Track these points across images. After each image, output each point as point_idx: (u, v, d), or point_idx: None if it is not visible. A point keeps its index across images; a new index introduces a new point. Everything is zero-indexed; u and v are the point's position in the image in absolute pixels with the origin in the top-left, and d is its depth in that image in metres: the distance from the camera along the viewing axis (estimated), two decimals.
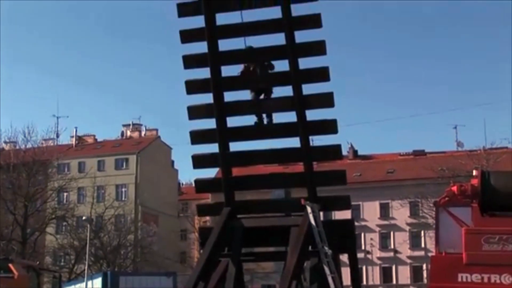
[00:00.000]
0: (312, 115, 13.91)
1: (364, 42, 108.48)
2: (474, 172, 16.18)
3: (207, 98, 14.38)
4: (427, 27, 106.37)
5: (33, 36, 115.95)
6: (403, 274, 63.18)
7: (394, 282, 63.80)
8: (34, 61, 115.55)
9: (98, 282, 38.79)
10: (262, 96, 14.39)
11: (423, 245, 61.27)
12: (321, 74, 13.76)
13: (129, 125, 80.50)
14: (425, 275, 56.76)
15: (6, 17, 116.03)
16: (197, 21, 14.02)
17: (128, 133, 79.97)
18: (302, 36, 13.62)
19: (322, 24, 13.44)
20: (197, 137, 14.71)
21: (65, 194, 65.78)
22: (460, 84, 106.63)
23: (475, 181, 14.56)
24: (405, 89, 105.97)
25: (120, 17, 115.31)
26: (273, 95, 14.46)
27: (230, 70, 14.50)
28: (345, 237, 14.37)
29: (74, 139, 78.98)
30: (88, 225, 48.15)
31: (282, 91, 14.26)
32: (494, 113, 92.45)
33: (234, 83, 14.54)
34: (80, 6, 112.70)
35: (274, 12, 13.67)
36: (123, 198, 70.68)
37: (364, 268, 60.40)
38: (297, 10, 13.44)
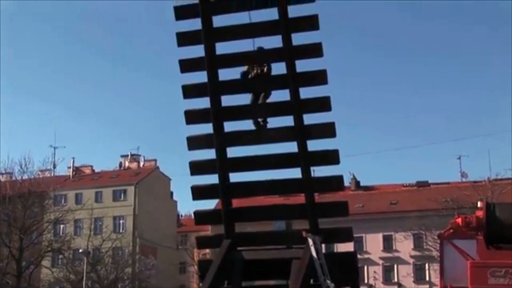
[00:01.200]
0: (314, 145, 13.92)
1: (365, 72, 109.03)
2: (479, 204, 16.16)
3: (207, 128, 14.42)
4: (428, 56, 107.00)
5: (32, 65, 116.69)
6: None
7: None
8: (32, 90, 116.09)
9: None
10: (260, 99, 14.39)
11: (427, 278, 60.85)
12: (323, 104, 13.80)
13: (128, 155, 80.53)
14: None
15: (6, 46, 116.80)
16: (197, 51, 14.14)
17: (127, 163, 79.95)
18: (303, 65, 13.72)
19: (323, 54, 13.53)
20: (197, 168, 14.70)
21: (61, 226, 65.47)
22: (464, 113, 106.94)
23: (480, 213, 14.54)
24: (407, 119, 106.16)
25: (119, 48, 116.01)
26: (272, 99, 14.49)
27: (231, 100, 14.55)
28: (348, 270, 14.28)
29: (71, 170, 78.92)
30: (85, 258, 47.89)
31: (283, 121, 14.28)
32: (499, 143, 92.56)
33: (235, 113, 14.56)
34: (80, 36, 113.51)
35: (275, 41, 13.79)
36: (121, 230, 70.36)
37: None
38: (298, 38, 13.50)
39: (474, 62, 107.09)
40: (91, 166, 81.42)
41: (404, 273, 62.60)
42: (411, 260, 62.94)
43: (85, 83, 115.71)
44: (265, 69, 14.24)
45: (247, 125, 14.60)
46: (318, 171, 15.92)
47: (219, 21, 13.93)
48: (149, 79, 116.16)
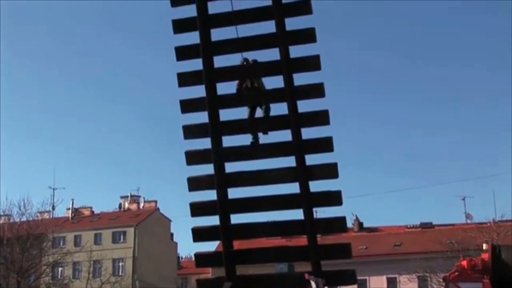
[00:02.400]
0: (316, 185, 13.91)
1: (368, 112, 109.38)
2: (485, 246, 16.06)
3: (207, 168, 14.41)
4: (431, 97, 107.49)
5: (31, 105, 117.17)
6: None
7: None
8: (32, 130, 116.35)
9: None
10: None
11: None
12: (325, 145, 13.82)
13: (127, 196, 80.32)
14: None
15: (5, 85, 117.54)
16: (198, 91, 14.25)
17: (126, 205, 79.70)
18: (305, 105, 13.79)
19: (325, 94, 13.62)
20: (197, 209, 14.64)
21: (60, 269, 65.02)
22: (468, 154, 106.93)
23: (485, 256, 14.43)
24: (411, 160, 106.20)
25: (117, 86, 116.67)
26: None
27: (232, 140, 14.60)
28: None
29: (70, 211, 78.67)
30: None
31: (285, 162, 14.28)
32: (503, 184, 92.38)
33: (236, 154, 14.56)
34: (79, 74, 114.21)
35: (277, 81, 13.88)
36: (120, 273, 69.81)
37: None
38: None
39: (478, 104, 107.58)
40: (91, 208, 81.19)
41: None
42: None
43: (85, 123, 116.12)
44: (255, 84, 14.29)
45: (249, 165, 14.61)
46: (321, 212, 15.87)
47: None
48: (148, 119, 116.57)
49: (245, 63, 14.14)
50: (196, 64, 14.14)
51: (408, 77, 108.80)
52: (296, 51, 13.57)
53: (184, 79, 14.28)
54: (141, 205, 79.02)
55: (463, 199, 67.17)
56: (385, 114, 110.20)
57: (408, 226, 70.21)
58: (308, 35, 13.48)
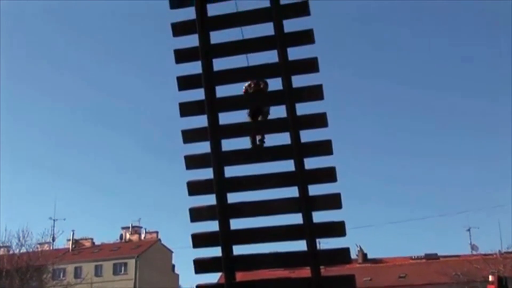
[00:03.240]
0: (320, 216, 13.86)
1: (372, 143, 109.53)
2: (491, 278, 16.02)
3: (209, 199, 14.38)
4: (435, 128, 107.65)
5: (32, 134, 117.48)
6: None
7: None
8: (32, 161, 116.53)
9: None
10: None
11: None
12: (328, 175, 13.82)
13: (129, 227, 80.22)
14: None
15: (5, 114, 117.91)
16: (199, 121, 14.29)
17: (127, 236, 79.59)
18: (308, 135, 13.82)
19: (328, 124, 13.67)
20: (199, 240, 14.58)
21: None
22: (473, 185, 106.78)
23: (492, 287, 14.34)
24: (415, 191, 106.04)
25: (118, 117, 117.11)
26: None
27: (234, 170, 14.58)
28: None
29: (70, 242, 78.53)
30: None
31: (287, 192, 14.26)
32: (509, 215, 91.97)
33: (237, 185, 14.54)
34: (80, 104, 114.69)
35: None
36: None
37: None
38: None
39: (483, 134, 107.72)
40: (91, 239, 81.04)
41: None
42: None
43: (86, 153, 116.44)
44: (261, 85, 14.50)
45: (252, 195, 14.58)
46: (324, 243, 15.81)
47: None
48: (150, 150, 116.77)
49: (252, 85, 14.33)
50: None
51: (410, 106, 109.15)
52: (299, 80, 13.66)
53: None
54: (143, 236, 78.87)
55: (468, 229, 67.04)
56: (388, 144, 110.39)
57: (413, 257, 69.85)
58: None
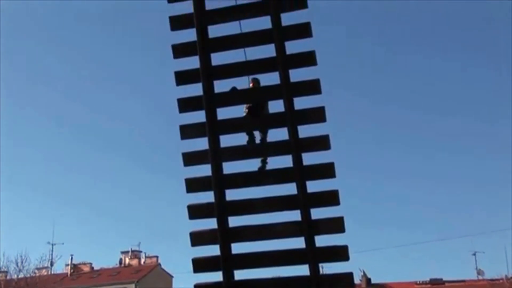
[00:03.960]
0: (322, 241, 13.80)
1: (377, 166, 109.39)
2: None
3: (210, 223, 14.33)
4: (440, 150, 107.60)
5: (31, 157, 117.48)
6: None
7: None
8: (31, 184, 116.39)
9: None
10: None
11: None
12: (331, 198, 13.76)
13: (128, 252, 79.84)
14: None
15: (5, 138, 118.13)
16: (200, 143, 14.27)
17: (127, 260, 79.17)
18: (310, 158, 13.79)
19: (330, 146, 13.65)
20: (200, 265, 14.49)
21: None
22: (478, 208, 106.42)
23: None
24: (420, 214, 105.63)
25: (117, 140, 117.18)
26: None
27: (233, 193, 14.56)
28: None
29: (69, 267, 78.12)
30: None
31: (290, 216, 14.20)
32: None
33: (240, 208, 14.48)
34: (77, 127, 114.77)
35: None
36: None
37: None
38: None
39: (488, 157, 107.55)
40: (90, 264, 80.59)
41: None
42: None
43: (85, 177, 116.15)
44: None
45: (254, 219, 14.52)
46: (327, 268, 15.68)
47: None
48: (149, 172, 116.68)
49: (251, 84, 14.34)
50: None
51: (420, 131, 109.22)
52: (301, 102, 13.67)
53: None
54: (142, 260, 78.42)
55: (474, 254, 66.53)
56: (397, 167, 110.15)
57: (418, 282, 69.33)
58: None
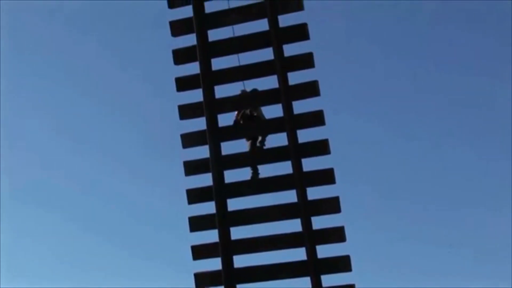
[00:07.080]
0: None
1: (370, 182, 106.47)
2: None
3: (215, 264, 14.53)
4: (444, 177, 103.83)
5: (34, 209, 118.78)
6: None
7: None
8: (30, 233, 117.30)
9: None
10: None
11: None
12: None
13: None
14: None
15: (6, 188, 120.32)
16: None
17: None
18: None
19: (335, 181, 13.82)
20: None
21: None
22: (485, 252, 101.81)
23: None
24: (423, 250, 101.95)
25: (117, 191, 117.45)
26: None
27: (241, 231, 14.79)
28: None
29: None
30: None
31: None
32: None
33: (245, 246, 14.53)
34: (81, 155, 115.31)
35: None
36: None
37: None
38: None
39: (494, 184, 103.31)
40: None
41: None
42: None
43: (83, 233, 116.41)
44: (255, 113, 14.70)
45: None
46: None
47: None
48: (148, 224, 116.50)
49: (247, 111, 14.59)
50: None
51: (424, 159, 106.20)
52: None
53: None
54: None
55: None
56: (388, 189, 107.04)
57: None
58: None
